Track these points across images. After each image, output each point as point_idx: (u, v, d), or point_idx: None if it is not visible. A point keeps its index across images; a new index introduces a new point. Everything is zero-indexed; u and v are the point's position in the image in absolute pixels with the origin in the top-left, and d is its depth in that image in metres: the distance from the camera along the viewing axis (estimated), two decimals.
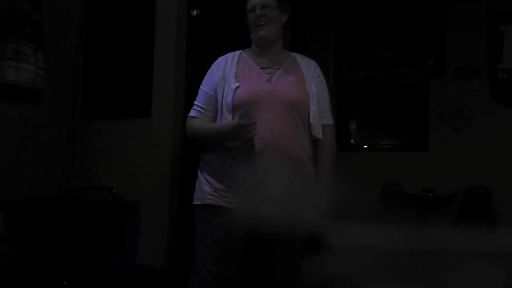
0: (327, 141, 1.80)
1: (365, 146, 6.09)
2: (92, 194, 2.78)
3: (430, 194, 5.13)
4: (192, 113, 1.84)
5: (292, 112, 1.69)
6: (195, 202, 1.75)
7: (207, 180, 1.72)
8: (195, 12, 3.03)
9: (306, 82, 1.79)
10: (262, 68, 1.78)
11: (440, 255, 4.04)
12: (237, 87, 1.69)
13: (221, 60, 1.86)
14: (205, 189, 1.71)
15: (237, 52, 1.88)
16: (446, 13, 5.38)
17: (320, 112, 1.79)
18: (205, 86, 1.82)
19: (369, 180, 5.51)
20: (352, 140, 6.22)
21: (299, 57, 1.89)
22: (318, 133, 1.76)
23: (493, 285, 3.41)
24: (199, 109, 1.81)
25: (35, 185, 2.99)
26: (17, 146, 2.91)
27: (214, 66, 1.86)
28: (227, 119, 1.68)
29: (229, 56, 1.86)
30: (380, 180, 5.52)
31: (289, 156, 1.66)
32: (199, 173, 1.78)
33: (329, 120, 1.86)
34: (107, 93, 3.39)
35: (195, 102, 1.84)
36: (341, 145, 6.00)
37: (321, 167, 1.76)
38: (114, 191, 2.82)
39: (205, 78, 1.85)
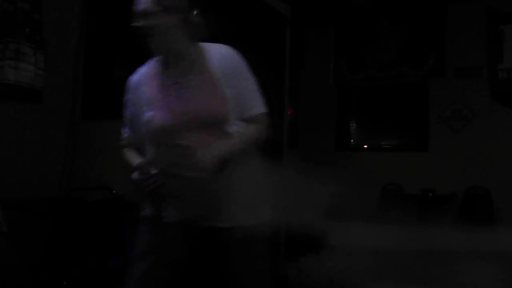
0: (248, 128, 1.62)
1: (365, 146, 6.09)
2: (92, 194, 2.78)
3: (430, 194, 5.13)
4: (122, 141, 1.79)
5: (212, 129, 1.56)
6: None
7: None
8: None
9: (220, 86, 1.58)
10: (175, 82, 1.61)
11: (440, 255, 4.04)
12: (151, 117, 1.58)
13: (132, 82, 1.71)
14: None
15: (148, 66, 1.71)
16: (446, 13, 5.38)
17: (242, 106, 1.60)
18: (126, 112, 1.73)
19: (369, 180, 5.51)
20: (352, 140, 6.22)
21: (211, 50, 1.65)
22: (231, 130, 1.59)
23: (492, 285, 3.41)
24: (127, 137, 1.76)
25: (35, 185, 2.99)
26: (17, 146, 2.90)
27: (127, 90, 1.72)
28: (149, 153, 1.63)
29: (139, 74, 1.71)
30: (380, 180, 5.52)
31: (217, 175, 1.55)
32: None
33: (256, 110, 1.64)
34: (107, 93, 3.39)
35: (123, 128, 1.78)
36: (341, 145, 6.07)
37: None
38: (114, 191, 2.81)
39: (125, 105, 1.73)
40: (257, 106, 1.65)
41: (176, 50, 1.62)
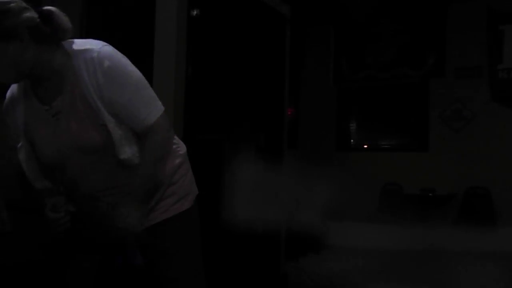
0: (147, 146, 1.41)
1: (365, 146, 6.09)
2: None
3: (430, 194, 5.13)
4: (20, 155, 1.59)
5: (98, 156, 1.40)
6: None
7: None
8: (195, 12, 3.03)
9: (95, 106, 1.34)
10: (46, 109, 1.40)
11: (440, 255, 4.04)
12: (35, 149, 1.46)
13: (6, 104, 1.50)
14: None
15: (18, 87, 1.46)
16: (446, 13, 5.38)
17: (128, 119, 1.37)
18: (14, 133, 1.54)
19: (369, 180, 5.51)
20: (352, 140, 6.22)
21: (79, 59, 1.35)
22: (132, 162, 1.41)
23: (492, 285, 3.41)
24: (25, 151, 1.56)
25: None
26: (16, 146, 2.90)
27: (4, 115, 1.53)
28: (38, 187, 1.56)
29: (12, 97, 1.47)
30: (380, 180, 5.52)
31: (120, 193, 1.46)
32: None
33: (148, 121, 1.38)
34: None
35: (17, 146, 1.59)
36: (341, 145, 6.07)
37: (139, 171, 1.43)
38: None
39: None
40: (149, 114, 1.38)
41: (35, 75, 1.35)
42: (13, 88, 1.48)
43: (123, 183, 1.45)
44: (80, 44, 1.40)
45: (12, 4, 1.28)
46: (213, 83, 3.14)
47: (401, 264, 3.95)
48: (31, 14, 1.31)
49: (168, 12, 2.95)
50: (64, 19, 1.39)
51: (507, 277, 3.47)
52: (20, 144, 1.56)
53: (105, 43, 1.41)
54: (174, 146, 1.57)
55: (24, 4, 1.32)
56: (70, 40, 1.41)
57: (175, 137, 1.58)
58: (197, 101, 2.88)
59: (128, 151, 1.39)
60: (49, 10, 1.36)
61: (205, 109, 3.00)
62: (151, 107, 1.40)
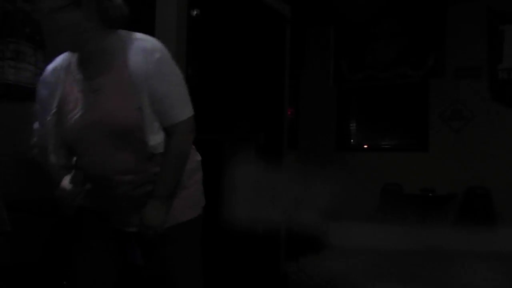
0: (175, 142, 1.47)
1: (365, 146, 6.09)
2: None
3: (430, 194, 5.13)
4: (34, 138, 1.61)
5: (125, 139, 1.43)
6: None
7: None
8: (195, 12, 3.03)
9: (136, 90, 1.40)
10: (88, 81, 1.45)
11: (440, 255, 4.04)
12: (65, 120, 1.47)
13: (47, 73, 1.54)
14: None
15: (66, 57, 1.53)
16: (446, 13, 5.38)
17: (159, 113, 1.44)
18: (37, 110, 1.58)
19: (369, 180, 5.51)
20: (352, 140, 6.22)
21: (131, 46, 1.44)
22: (157, 150, 1.45)
23: (492, 285, 3.41)
24: (40, 135, 1.57)
25: (35, 185, 2.98)
26: (17, 146, 2.90)
27: (40, 84, 1.57)
28: (52, 161, 1.53)
29: (56, 65, 1.53)
30: (380, 180, 5.52)
31: (131, 182, 1.48)
32: None
33: (178, 117, 1.46)
34: None
35: (34, 123, 1.62)
36: (341, 145, 6.07)
37: (159, 177, 1.49)
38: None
39: (37, 98, 1.58)
40: (181, 112, 1.47)
41: (88, 48, 1.43)
42: (56, 61, 1.54)
43: (141, 170, 1.47)
44: (134, 34, 1.49)
45: None
46: (213, 83, 3.14)
47: (401, 264, 3.95)
48: None
49: (168, 12, 2.95)
50: (124, 8, 1.48)
51: (507, 277, 3.47)
52: (36, 124, 1.58)
53: (157, 40, 1.49)
54: (192, 151, 1.61)
55: None
56: (125, 30, 1.50)
57: (192, 145, 1.62)
58: (197, 101, 2.88)
59: (156, 138, 1.44)
60: None
61: (205, 109, 3.00)
62: (184, 107, 1.49)
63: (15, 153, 2.91)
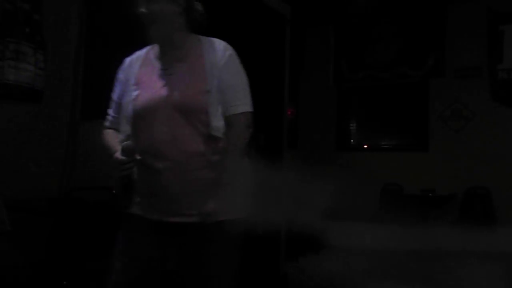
0: (233, 133, 1.61)
1: (365, 146, 6.09)
2: (92, 194, 2.78)
3: (430, 194, 5.13)
4: (106, 122, 1.78)
5: (189, 118, 1.55)
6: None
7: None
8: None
9: (208, 76, 1.58)
10: (163, 69, 1.63)
11: (440, 255, 4.04)
12: (136, 96, 1.61)
13: (126, 62, 1.75)
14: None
15: (144, 51, 1.74)
16: (446, 13, 5.38)
17: (224, 102, 1.60)
18: (114, 93, 1.76)
19: (369, 180, 5.51)
20: (352, 140, 6.22)
21: (207, 43, 1.67)
22: (218, 132, 1.58)
23: (492, 285, 3.41)
24: (111, 118, 1.76)
25: (35, 185, 2.99)
26: (17, 146, 2.90)
27: (120, 70, 1.75)
28: (126, 132, 1.63)
29: (134, 56, 1.74)
30: (380, 180, 5.52)
31: (189, 166, 1.55)
32: None
33: (238, 109, 1.63)
34: (107, 93, 3.39)
35: (108, 110, 1.79)
36: (341, 145, 6.07)
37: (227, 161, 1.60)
38: (114, 191, 2.81)
39: (115, 85, 1.77)
40: (242, 104, 1.65)
41: (173, 39, 1.63)
42: (134, 54, 1.74)
43: (198, 153, 1.55)
44: (209, 37, 1.71)
45: None
46: None
47: (401, 264, 3.95)
48: None
49: None
50: (204, 17, 1.71)
51: (507, 277, 3.47)
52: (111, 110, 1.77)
53: None
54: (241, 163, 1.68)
55: None
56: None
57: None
58: None
59: (219, 121, 1.57)
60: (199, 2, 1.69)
61: None
62: (245, 102, 1.66)
63: (15, 153, 2.91)
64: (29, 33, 2.75)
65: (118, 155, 1.54)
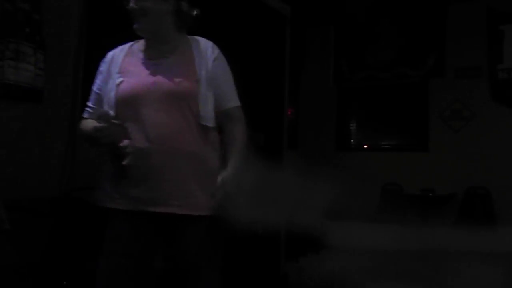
0: (233, 126, 1.68)
1: (365, 146, 6.09)
2: (92, 194, 2.77)
3: (430, 194, 5.13)
4: (84, 114, 1.79)
5: (178, 103, 1.57)
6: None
7: (103, 182, 1.68)
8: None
9: (196, 67, 1.63)
10: (150, 59, 1.66)
11: (440, 255, 4.04)
12: (120, 82, 1.62)
13: (109, 55, 1.75)
14: (103, 192, 1.68)
15: (128, 45, 1.76)
16: (446, 13, 5.38)
17: (218, 96, 1.66)
18: (95, 85, 1.76)
19: (369, 180, 5.51)
20: (352, 140, 6.22)
21: (194, 41, 1.72)
22: (208, 121, 1.62)
23: (492, 285, 3.41)
24: (89, 110, 1.77)
25: (35, 185, 2.99)
26: (17, 146, 2.90)
27: (102, 63, 1.76)
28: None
29: (117, 49, 1.75)
30: (380, 180, 5.52)
31: (178, 151, 1.56)
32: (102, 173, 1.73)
33: (230, 103, 1.70)
34: None
35: (87, 103, 1.80)
36: (341, 145, 6.07)
37: (231, 153, 1.65)
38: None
39: (96, 76, 1.77)
40: (235, 99, 1.72)
41: (162, 34, 1.67)
42: (117, 48, 1.76)
43: (185, 141, 1.57)
44: (196, 37, 1.75)
45: None
46: None
47: (401, 264, 3.95)
48: None
49: None
50: (193, 19, 1.75)
51: (507, 277, 3.47)
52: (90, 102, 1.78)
53: None
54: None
55: None
56: None
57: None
58: None
59: (208, 111, 1.62)
60: (190, 2, 1.73)
61: None
62: (235, 96, 1.72)
63: (15, 153, 2.91)
64: (29, 33, 2.75)
65: (96, 123, 1.54)
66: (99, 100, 1.71)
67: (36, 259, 2.52)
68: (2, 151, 2.79)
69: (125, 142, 1.55)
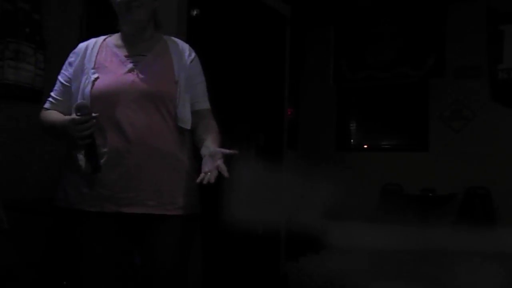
0: (208, 122, 1.67)
1: (365, 146, 6.09)
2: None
3: (430, 194, 5.13)
4: (46, 104, 1.72)
5: (156, 104, 1.56)
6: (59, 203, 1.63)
7: (70, 182, 1.62)
8: (195, 12, 3.03)
9: (175, 69, 1.62)
10: (127, 56, 1.63)
11: (440, 255, 4.04)
12: (96, 78, 1.56)
13: (81, 46, 1.69)
14: (70, 192, 1.60)
15: (101, 38, 1.71)
16: (446, 13, 5.38)
17: (193, 97, 1.66)
18: (61, 76, 1.69)
19: (369, 180, 5.51)
20: (352, 140, 6.22)
21: (171, 42, 1.71)
22: (185, 124, 1.61)
23: (492, 285, 3.41)
24: (53, 101, 1.69)
25: (35, 185, 2.99)
26: (16, 146, 2.90)
27: (72, 54, 1.70)
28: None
29: (90, 42, 1.69)
30: (380, 180, 5.52)
31: (155, 152, 1.54)
32: (64, 171, 1.68)
33: (205, 105, 1.71)
34: None
35: (51, 93, 1.72)
36: (341, 145, 6.07)
37: (208, 138, 1.58)
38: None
39: (63, 67, 1.71)
40: (207, 102, 1.73)
41: (145, 32, 1.67)
42: (91, 40, 1.72)
43: (162, 142, 1.56)
44: (172, 37, 1.76)
45: None
46: (213, 83, 3.14)
47: (401, 264, 3.95)
48: None
49: (168, 12, 2.95)
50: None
51: (507, 277, 3.47)
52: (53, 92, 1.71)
53: None
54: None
55: None
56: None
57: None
58: None
59: (187, 113, 1.62)
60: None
61: None
62: (207, 99, 1.74)
63: (15, 153, 2.91)
64: (29, 33, 2.75)
65: (74, 116, 1.48)
66: (67, 93, 1.64)
67: (36, 259, 2.52)
68: (2, 151, 2.79)
69: (100, 139, 1.51)
